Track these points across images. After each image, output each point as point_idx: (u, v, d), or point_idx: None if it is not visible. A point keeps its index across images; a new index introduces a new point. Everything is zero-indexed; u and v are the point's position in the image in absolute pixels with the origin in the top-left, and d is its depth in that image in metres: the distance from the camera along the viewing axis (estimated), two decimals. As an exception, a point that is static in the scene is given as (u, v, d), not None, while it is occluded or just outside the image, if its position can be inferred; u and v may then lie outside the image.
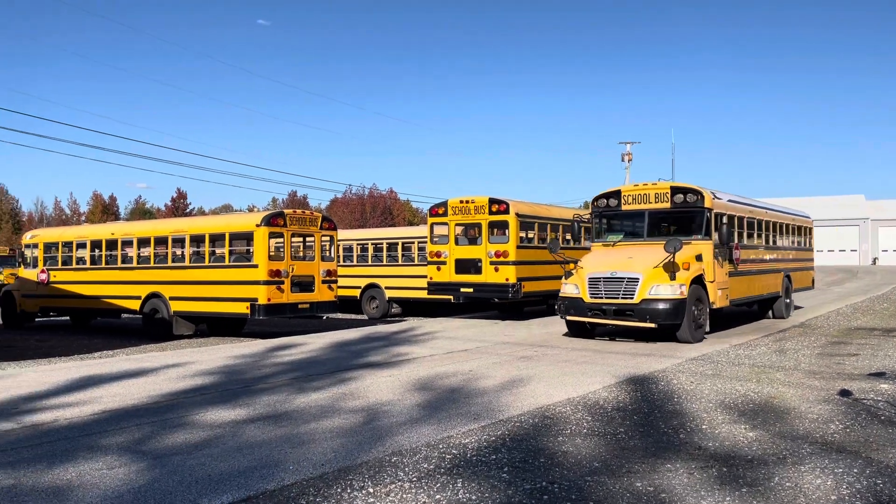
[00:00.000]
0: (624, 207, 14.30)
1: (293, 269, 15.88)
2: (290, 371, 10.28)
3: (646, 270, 12.72)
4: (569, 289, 13.52)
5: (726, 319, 17.03)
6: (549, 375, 9.52)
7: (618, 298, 12.79)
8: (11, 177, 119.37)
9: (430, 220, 19.06)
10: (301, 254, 17.10)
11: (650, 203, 14.01)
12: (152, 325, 17.01)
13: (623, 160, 45.40)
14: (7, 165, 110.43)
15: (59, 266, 19.53)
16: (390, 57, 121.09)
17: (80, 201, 78.82)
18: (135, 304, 17.51)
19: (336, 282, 17.18)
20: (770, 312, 17.89)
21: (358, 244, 23.23)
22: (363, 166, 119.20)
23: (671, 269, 12.62)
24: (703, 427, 6.62)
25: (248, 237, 16.07)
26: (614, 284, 12.85)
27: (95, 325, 20.88)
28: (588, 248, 15.41)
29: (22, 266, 20.80)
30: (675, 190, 13.85)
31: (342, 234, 21.54)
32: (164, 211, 77.42)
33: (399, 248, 22.06)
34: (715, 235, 13.66)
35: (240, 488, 4.91)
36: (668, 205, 13.80)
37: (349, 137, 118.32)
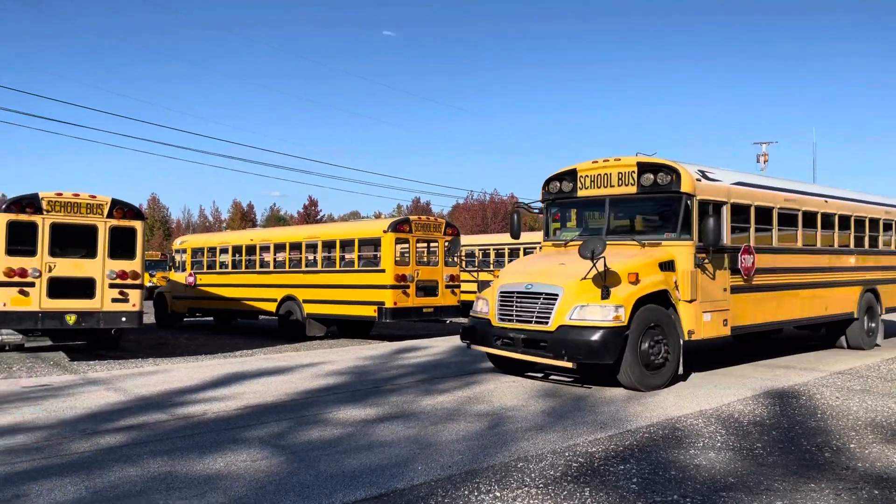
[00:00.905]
0: (580, 193, 10.38)
1: (418, 273, 16.24)
2: (416, 373, 10.53)
3: (570, 283, 8.75)
4: (479, 306, 9.84)
5: (782, 345, 13.34)
6: (679, 386, 9.20)
7: (530, 323, 8.89)
8: (163, 187, 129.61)
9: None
10: (425, 259, 17.47)
11: (611, 186, 10.01)
12: (287, 327, 17.90)
13: (758, 161, 43.11)
14: (159, 177, 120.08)
15: (205, 270, 20.98)
16: (510, 64, 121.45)
17: (221, 209, 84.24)
18: (271, 307, 18.51)
19: (459, 286, 17.41)
20: (843, 340, 13.29)
21: (479, 249, 23.38)
22: (484, 172, 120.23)
23: (601, 282, 8.55)
24: (851, 446, 6.18)
25: (375, 243, 16.60)
26: (529, 302, 8.98)
27: (236, 326, 22.24)
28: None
29: (172, 270, 22.52)
30: (642, 167, 9.70)
31: (463, 239, 21.78)
32: (296, 218, 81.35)
33: (521, 253, 22.05)
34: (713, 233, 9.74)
35: (372, 485, 5.09)
36: (633, 188, 9.79)
37: (470, 144, 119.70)
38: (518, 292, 9.11)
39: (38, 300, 12.20)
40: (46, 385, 9.90)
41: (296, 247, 18.44)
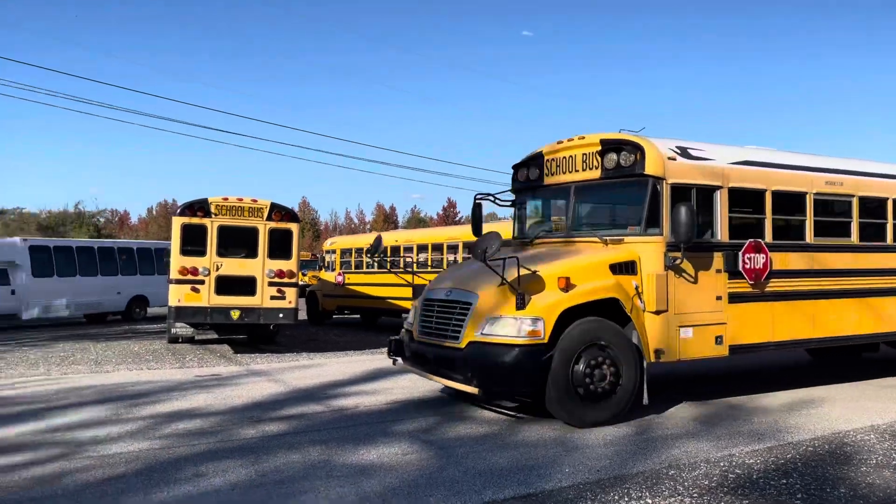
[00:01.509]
0: (547, 181, 8.65)
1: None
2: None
3: (486, 290, 7.21)
4: (410, 316, 8.54)
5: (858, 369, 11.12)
6: (845, 397, 8.55)
7: (445, 339, 7.41)
8: (312, 192, 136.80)
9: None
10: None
11: (576, 171, 8.25)
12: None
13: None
14: (309, 182, 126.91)
15: (352, 269, 21.96)
16: (656, 64, 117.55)
17: (365, 211, 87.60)
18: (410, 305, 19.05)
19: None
20: None
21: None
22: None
23: (516, 288, 6.85)
24: None
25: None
26: (447, 312, 7.54)
27: (381, 324, 23.11)
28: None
29: (322, 269, 23.76)
30: (605, 146, 7.94)
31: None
32: (435, 219, 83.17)
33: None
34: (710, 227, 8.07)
35: (520, 484, 5.14)
36: (597, 173, 8.02)
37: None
38: (439, 300, 7.71)
39: (207, 297, 13.29)
40: (216, 375, 10.77)
41: (437, 247, 18.88)
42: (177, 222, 13.48)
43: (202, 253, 13.38)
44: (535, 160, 8.83)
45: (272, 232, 13.77)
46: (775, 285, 8.33)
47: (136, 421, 7.26)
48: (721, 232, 8.03)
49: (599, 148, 7.97)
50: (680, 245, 7.37)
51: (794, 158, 9.16)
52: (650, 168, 7.60)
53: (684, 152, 7.98)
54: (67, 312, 20.90)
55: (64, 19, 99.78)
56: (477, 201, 9.36)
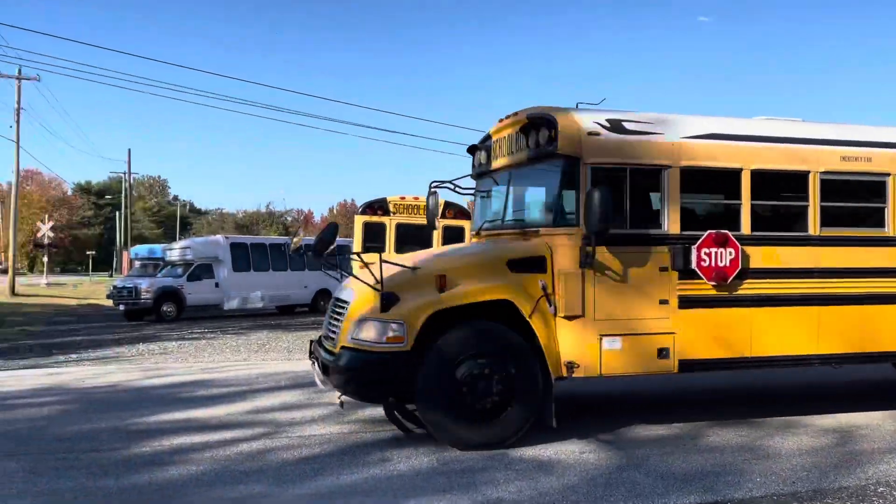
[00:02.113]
0: (492, 165, 7.67)
1: None
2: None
3: (362, 289, 6.36)
4: None
5: None
6: None
7: (329, 341, 6.68)
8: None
9: None
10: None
11: (511, 153, 7.28)
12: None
13: None
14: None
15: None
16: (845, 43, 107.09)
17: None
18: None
19: None
20: None
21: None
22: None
23: (378, 288, 6.06)
24: None
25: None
26: (335, 311, 6.81)
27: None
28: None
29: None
30: (531, 123, 6.83)
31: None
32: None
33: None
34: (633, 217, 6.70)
35: (706, 491, 4.93)
36: (525, 154, 6.97)
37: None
38: (335, 298, 7.01)
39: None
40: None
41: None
42: (358, 221, 14.27)
43: (382, 249, 14.05)
44: (486, 142, 7.87)
45: (446, 229, 14.17)
46: (754, 287, 6.80)
47: (326, 406, 7.78)
48: (669, 222, 6.61)
49: (526, 125, 6.89)
50: (591, 238, 6.21)
51: (794, 129, 7.33)
52: (563, 146, 6.44)
53: (616, 126, 6.61)
54: (261, 304, 22.80)
55: (265, 40, 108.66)
56: (432, 189, 8.18)
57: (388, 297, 6.03)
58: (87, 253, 60.45)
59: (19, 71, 34.14)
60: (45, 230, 40.08)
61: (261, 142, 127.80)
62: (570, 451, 5.98)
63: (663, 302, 6.56)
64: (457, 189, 8.17)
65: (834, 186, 7.18)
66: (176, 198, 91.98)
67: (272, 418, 7.22)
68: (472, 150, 8.12)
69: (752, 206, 6.88)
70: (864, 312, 7.11)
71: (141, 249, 34.82)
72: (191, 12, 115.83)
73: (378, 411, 7.18)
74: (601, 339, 6.35)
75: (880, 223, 7.29)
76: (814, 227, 7.04)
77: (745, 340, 6.77)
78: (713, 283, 6.61)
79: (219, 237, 24.42)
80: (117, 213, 64.71)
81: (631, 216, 6.56)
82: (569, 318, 6.31)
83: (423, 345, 5.95)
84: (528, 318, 6.20)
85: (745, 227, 6.84)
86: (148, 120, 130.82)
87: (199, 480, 5.14)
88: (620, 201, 6.48)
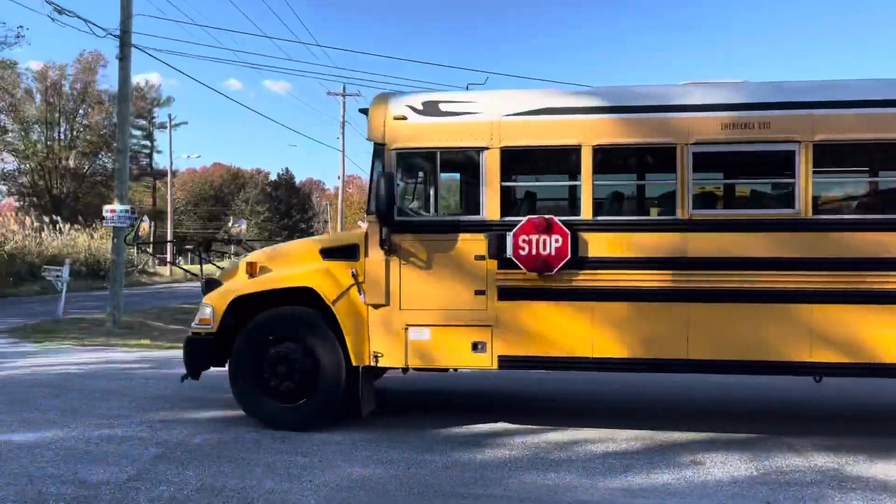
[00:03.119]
0: None
1: None
2: None
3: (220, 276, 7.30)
4: None
5: None
6: None
7: None
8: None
9: None
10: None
11: None
12: None
13: None
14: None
15: None
16: None
17: None
18: None
19: None
20: None
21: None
22: None
23: (200, 275, 7.39)
24: None
25: None
26: None
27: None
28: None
29: None
30: (365, 111, 6.59)
31: None
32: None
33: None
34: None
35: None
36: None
37: None
38: None
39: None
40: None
41: None
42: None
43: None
44: None
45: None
46: (597, 279, 5.98)
47: (636, 401, 7.67)
48: (487, 207, 6.13)
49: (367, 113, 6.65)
50: (381, 226, 6.13)
51: (658, 94, 6.10)
52: (371, 133, 6.36)
53: (430, 108, 6.29)
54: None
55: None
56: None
57: (208, 284, 6.86)
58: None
59: (343, 88, 39.12)
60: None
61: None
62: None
63: (480, 292, 6.15)
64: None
65: (714, 160, 6.21)
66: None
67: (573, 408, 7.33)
68: None
69: (596, 187, 6.08)
70: (762, 312, 5.80)
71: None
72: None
73: (693, 408, 6.89)
74: (407, 329, 6.22)
75: (789, 203, 5.87)
76: (682, 209, 5.90)
77: (585, 339, 6.02)
78: (536, 273, 6.01)
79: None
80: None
81: (443, 202, 6.46)
82: (375, 306, 6.26)
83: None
84: (330, 305, 6.27)
85: (586, 211, 6.04)
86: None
87: (513, 464, 5.41)
88: (430, 186, 6.36)
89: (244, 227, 10.90)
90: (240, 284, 6.62)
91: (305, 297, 6.44)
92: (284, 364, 6.32)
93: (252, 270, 6.72)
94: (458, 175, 6.77)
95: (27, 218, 30.81)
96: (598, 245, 6.02)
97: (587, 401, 7.86)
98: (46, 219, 33.39)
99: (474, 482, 4.99)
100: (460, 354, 6.21)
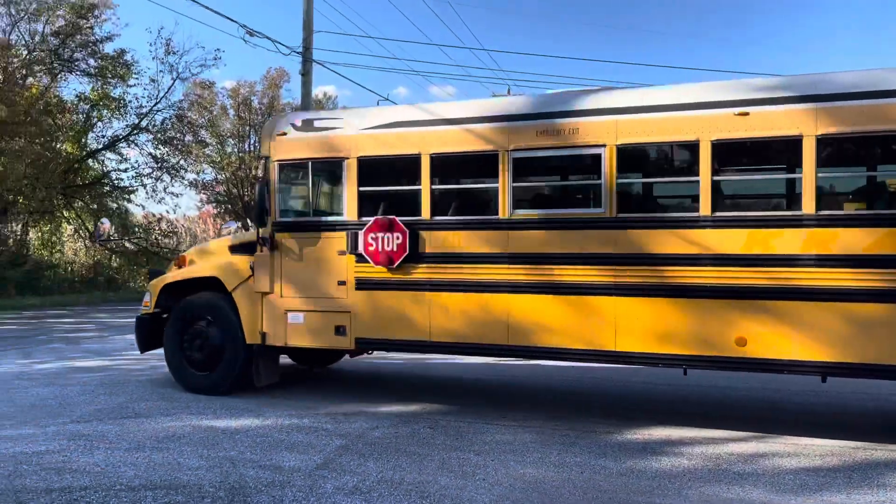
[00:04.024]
0: None
1: None
2: None
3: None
4: None
5: None
6: None
7: None
8: None
9: None
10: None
11: None
12: None
13: None
14: None
15: None
16: None
17: None
18: None
19: None
20: None
21: None
22: None
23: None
24: None
25: None
26: None
27: None
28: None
29: None
30: None
31: None
32: None
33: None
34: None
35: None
36: None
37: None
38: None
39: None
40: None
41: None
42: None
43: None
44: None
45: None
46: (433, 272, 6.83)
47: (822, 414, 7.07)
48: (347, 208, 7.17)
49: None
50: (258, 227, 7.51)
51: (486, 107, 6.82)
52: (261, 148, 7.65)
53: (307, 125, 7.43)
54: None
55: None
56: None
57: (152, 274, 8.58)
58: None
59: (508, 90, 39.37)
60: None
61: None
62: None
63: (341, 283, 7.16)
64: None
65: (532, 164, 6.83)
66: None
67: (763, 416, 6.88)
68: None
69: (434, 190, 6.86)
70: (573, 304, 6.35)
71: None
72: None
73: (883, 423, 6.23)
74: (286, 313, 7.37)
75: (598, 203, 6.35)
76: (503, 210, 6.57)
77: (425, 324, 6.84)
78: (382, 267, 6.94)
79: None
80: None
81: (316, 205, 7.52)
82: (263, 294, 7.50)
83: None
84: (230, 292, 7.67)
85: (425, 212, 6.85)
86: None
87: (692, 475, 5.17)
88: (305, 192, 7.50)
89: (108, 224, 11.92)
90: (171, 274, 8.23)
91: (215, 285, 7.81)
92: (198, 340, 7.80)
93: (182, 263, 8.36)
94: (327, 181, 7.70)
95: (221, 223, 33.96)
96: (434, 242, 6.83)
97: (770, 409, 7.34)
98: (240, 223, 36.62)
99: (651, 491, 4.83)
100: (327, 336, 7.26)
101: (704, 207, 5.93)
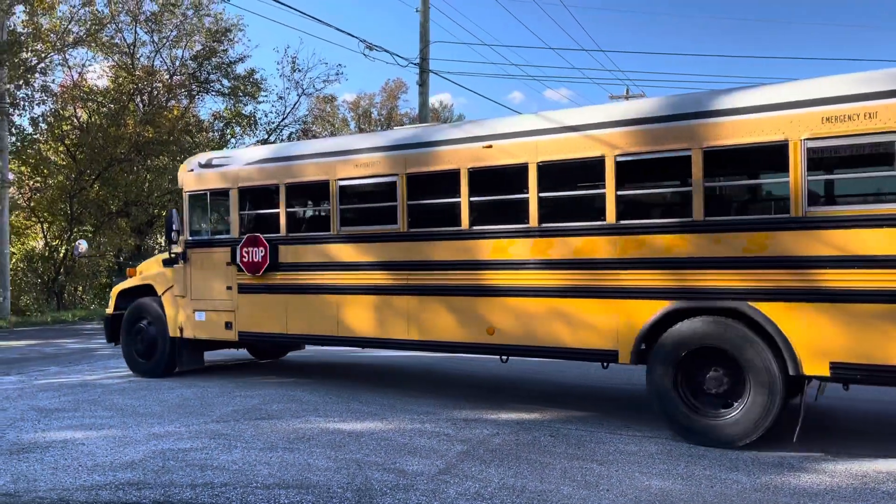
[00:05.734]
0: None
1: None
2: None
3: None
4: None
5: None
6: None
7: None
8: None
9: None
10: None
11: None
12: None
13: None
14: None
15: None
16: None
17: None
18: None
19: None
20: None
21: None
22: None
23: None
24: None
25: None
26: None
27: None
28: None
29: None
30: None
31: None
32: None
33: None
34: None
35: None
36: None
37: None
38: None
39: None
40: None
41: None
42: None
43: None
44: None
45: None
46: (288, 279, 8.54)
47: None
48: (232, 228, 8.99)
49: None
50: (169, 245, 9.54)
51: (317, 146, 8.75)
52: (179, 181, 9.74)
53: (207, 163, 9.35)
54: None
55: None
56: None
57: (114, 282, 9.13)
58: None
59: (627, 91, 38.35)
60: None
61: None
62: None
63: (229, 288, 8.94)
64: None
65: (352, 191, 8.24)
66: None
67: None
68: None
69: (289, 212, 8.61)
70: (383, 302, 7.85)
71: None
72: None
73: None
74: (194, 312, 9.22)
75: (393, 220, 7.77)
76: (334, 227, 8.19)
77: (282, 320, 8.55)
78: (251, 274, 8.70)
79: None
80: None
81: (214, 226, 9.34)
82: (180, 297, 9.36)
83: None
84: (160, 296, 9.61)
85: (283, 229, 8.54)
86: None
87: (835, 493, 4.83)
88: (206, 216, 9.32)
89: (84, 246, 14.33)
90: (124, 282, 10.27)
91: (152, 291, 9.76)
92: (140, 335, 9.77)
93: (132, 273, 10.27)
94: (221, 207, 9.28)
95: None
96: (289, 254, 8.49)
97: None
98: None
99: (789, 509, 4.55)
100: (220, 330, 9.06)
101: (465, 223, 7.28)
